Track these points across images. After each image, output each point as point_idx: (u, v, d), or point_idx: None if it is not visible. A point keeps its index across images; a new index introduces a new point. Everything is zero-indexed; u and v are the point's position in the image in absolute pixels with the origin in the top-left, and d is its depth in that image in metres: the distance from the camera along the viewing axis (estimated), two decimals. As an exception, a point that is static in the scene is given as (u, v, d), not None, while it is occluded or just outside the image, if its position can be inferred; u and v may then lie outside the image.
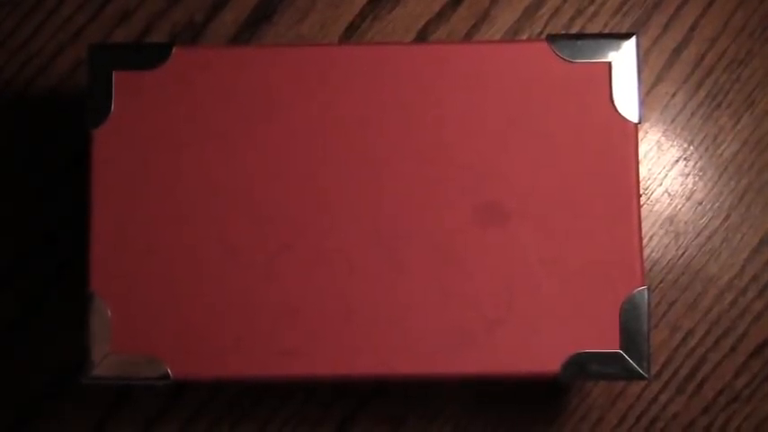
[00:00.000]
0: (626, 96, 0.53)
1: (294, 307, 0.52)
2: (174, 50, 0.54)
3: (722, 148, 0.63)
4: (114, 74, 0.53)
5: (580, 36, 0.55)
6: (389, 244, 0.53)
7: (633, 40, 0.54)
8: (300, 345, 0.52)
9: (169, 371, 0.52)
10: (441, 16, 0.63)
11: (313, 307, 0.52)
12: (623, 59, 0.53)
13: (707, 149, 0.63)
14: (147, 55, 0.54)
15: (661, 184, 0.63)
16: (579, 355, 0.52)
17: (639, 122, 0.53)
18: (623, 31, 0.63)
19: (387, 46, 0.58)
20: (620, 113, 0.53)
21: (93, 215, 0.53)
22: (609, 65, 0.53)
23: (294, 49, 0.55)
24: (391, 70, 0.54)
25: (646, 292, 0.52)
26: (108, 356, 0.52)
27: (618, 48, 0.54)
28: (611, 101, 0.53)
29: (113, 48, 0.55)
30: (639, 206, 0.53)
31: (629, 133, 0.53)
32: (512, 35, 0.63)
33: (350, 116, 0.53)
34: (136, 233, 0.53)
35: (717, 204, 0.63)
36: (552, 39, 0.54)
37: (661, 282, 0.62)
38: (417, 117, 0.53)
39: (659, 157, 0.63)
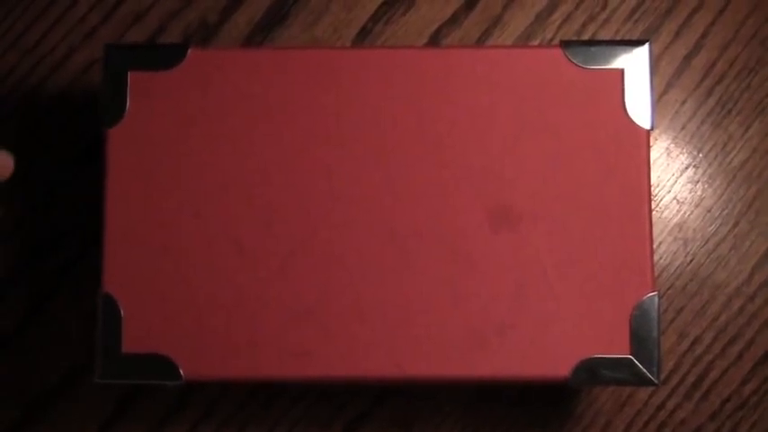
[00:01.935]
0: (638, 103, 0.53)
1: (306, 308, 0.52)
2: (189, 51, 0.54)
3: (731, 155, 0.63)
4: (129, 74, 0.53)
5: (593, 42, 0.55)
6: (402, 246, 0.53)
7: (646, 46, 0.54)
8: (312, 346, 0.52)
9: (181, 372, 0.52)
10: (453, 21, 0.63)
11: (325, 308, 0.52)
12: (636, 66, 0.54)
13: (716, 157, 0.63)
14: (163, 55, 0.54)
15: (670, 191, 0.63)
16: (589, 360, 0.52)
17: (652, 129, 0.53)
18: (634, 37, 0.63)
19: (399, 50, 0.58)
20: (632, 120, 0.53)
21: (107, 215, 0.53)
22: (622, 71, 0.54)
23: (307, 52, 0.55)
24: (404, 74, 0.54)
25: (656, 298, 0.52)
26: (120, 357, 0.52)
27: (631, 54, 0.54)
28: (624, 107, 0.53)
29: (129, 48, 0.55)
30: (651, 212, 0.53)
31: (640, 139, 0.53)
32: (524, 40, 0.63)
33: (362, 119, 0.53)
34: (149, 233, 0.53)
35: (725, 211, 0.63)
36: (566, 45, 0.54)
37: (669, 288, 0.62)
38: (430, 120, 0.53)
39: (669, 164, 0.63)
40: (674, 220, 0.63)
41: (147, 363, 0.52)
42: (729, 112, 0.63)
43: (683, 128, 0.63)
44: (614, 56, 0.54)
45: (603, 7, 0.64)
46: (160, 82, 0.53)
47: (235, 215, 0.53)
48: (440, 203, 0.53)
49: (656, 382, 0.52)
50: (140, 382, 0.53)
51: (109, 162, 0.53)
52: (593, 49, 0.54)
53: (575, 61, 0.54)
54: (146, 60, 0.54)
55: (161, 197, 0.53)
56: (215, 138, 0.53)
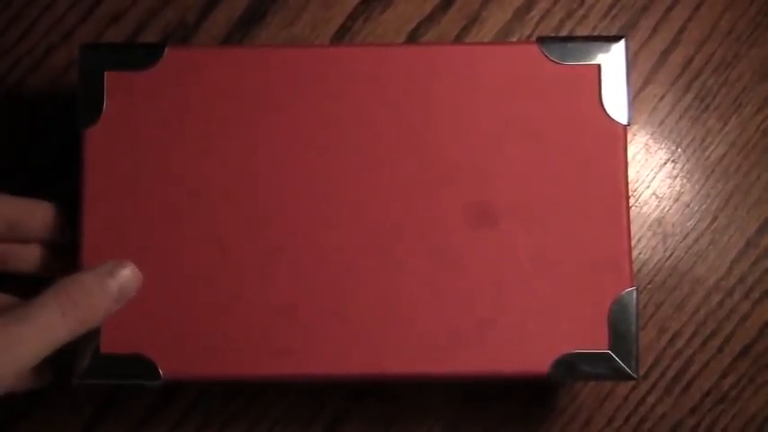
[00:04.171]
0: (615, 98, 0.54)
1: (287, 307, 0.52)
2: (166, 51, 0.54)
3: (710, 150, 0.63)
4: (106, 74, 0.53)
5: (570, 38, 0.55)
6: (382, 244, 0.53)
7: (622, 42, 0.54)
8: (293, 344, 0.52)
9: (160, 371, 0.52)
10: (431, 18, 0.64)
11: (306, 307, 0.52)
12: (612, 62, 0.54)
13: (694, 152, 0.63)
14: (139, 55, 0.54)
15: (649, 187, 0.63)
16: (568, 355, 0.52)
17: (628, 124, 0.53)
18: (612, 33, 0.63)
19: (378, 47, 0.58)
20: (609, 115, 0.53)
21: (85, 215, 0.53)
22: (598, 67, 0.54)
23: (286, 50, 0.55)
24: (382, 71, 0.54)
25: (634, 293, 0.52)
26: (99, 357, 0.52)
27: (607, 50, 0.54)
28: (601, 103, 0.54)
29: (105, 48, 0.55)
30: (628, 207, 0.53)
31: (617, 135, 0.53)
32: (502, 37, 0.63)
33: (341, 116, 0.54)
34: (127, 233, 0.53)
35: (704, 206, 0.63)
36: (542, 41, 0.54)
37: (649, 283, 0.62)
38: (408, 118, 0.54)
39: (647, 160, 0.63)
40: (654, 216, 0.63)
41: (126, 363, 0.52)
42: (707, 107, 0.64)
43: (661, 123, 0.64)
44: (591, 52, 0.54)
45: (581, 4, 0.64)
46: (137, 82, 0.53)
47: (215, 214, 0.53)
48: (419, 200, 0.53)
49: (634, 376, 0.52)
50: (120, 383, 0.53)
51: (86, 163, 0.53)
52: (569, 45, 0.54)
53: (551, 57, 0.54)
54: (123, 60, 0.54)
55: (139, 197, 0.53)
56: (194, 137, 0.53)
